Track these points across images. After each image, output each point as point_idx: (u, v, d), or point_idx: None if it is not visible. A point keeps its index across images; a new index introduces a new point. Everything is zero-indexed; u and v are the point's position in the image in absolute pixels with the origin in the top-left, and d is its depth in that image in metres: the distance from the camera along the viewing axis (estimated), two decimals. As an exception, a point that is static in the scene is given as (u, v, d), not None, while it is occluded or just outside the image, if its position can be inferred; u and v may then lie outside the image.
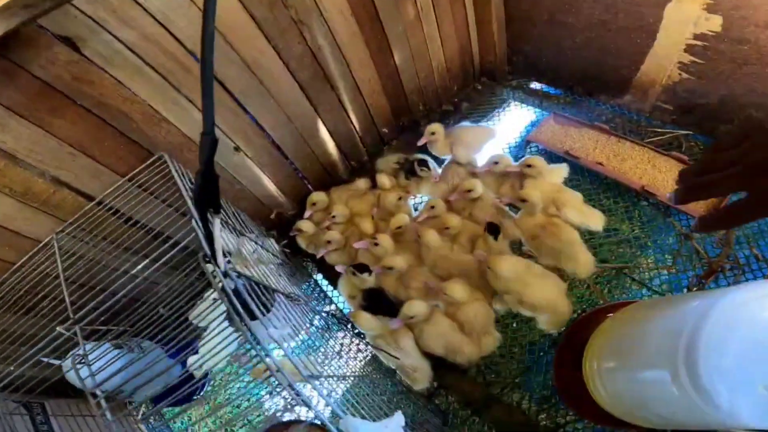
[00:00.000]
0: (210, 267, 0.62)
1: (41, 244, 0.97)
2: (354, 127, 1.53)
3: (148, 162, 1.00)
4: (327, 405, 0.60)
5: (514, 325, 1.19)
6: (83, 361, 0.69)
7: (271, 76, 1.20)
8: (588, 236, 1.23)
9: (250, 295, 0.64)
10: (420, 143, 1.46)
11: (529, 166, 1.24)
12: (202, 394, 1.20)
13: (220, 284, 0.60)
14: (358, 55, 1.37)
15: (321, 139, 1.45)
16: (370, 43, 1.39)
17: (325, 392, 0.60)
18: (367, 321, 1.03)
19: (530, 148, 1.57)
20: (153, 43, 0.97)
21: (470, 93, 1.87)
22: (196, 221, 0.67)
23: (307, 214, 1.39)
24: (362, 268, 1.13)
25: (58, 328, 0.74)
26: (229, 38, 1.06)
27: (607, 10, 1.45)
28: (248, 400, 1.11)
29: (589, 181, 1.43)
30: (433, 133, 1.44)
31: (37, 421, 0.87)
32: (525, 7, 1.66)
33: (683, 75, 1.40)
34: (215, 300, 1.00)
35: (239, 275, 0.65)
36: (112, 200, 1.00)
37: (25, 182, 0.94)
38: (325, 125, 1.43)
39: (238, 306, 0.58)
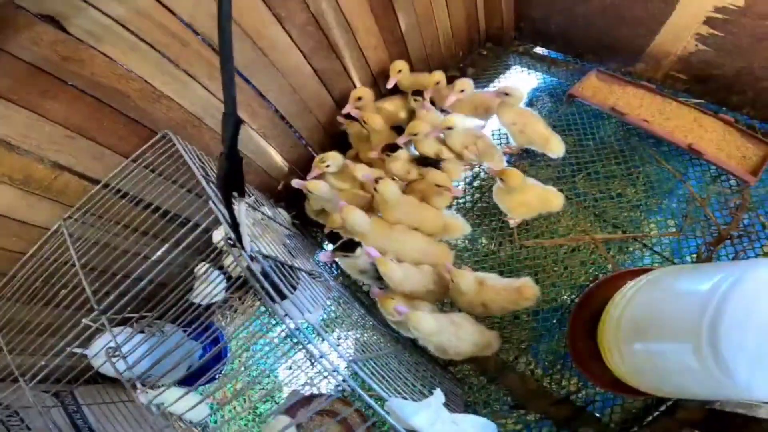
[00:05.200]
0: (235, 251, 0.60)
1: (50, 232, 0.94)
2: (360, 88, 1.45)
3: (152, 141, 0.96)
4: (365, 384, 0.59)
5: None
6: (117, 353, 0.69)
7: (275, 47, 1.14)
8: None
9: (277, 275, 0.63)
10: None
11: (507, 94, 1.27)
12: (222, 372, 1.22)
13: (248, 268, 0.58)
14: (363, 21, 1.30)
15: (327, 108, 1.40)
16: (375, 9, 1.31)
17: (368, 372, 0.60)
18: (427, 322, 0.90)
19: (574, 102, 1.51)
20: (145, 17, 0.91)
21: (475, 58, 1.81)
22: (216, 205, 0.65)
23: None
24: (348, 246, 0.99)
25: (84, 321, 0.73)
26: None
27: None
28: (268, 376, 1.13)
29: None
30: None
31: (69, 410, 0.87)
32: (535, -29, 1.57)
33: (700, 46, 1.35)
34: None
35: (265, 257, 0.63)
36: (119, 182, 0.97)
37: (24, 169, 0.91)
38: (330, 94, 1.38)
39: (269, 288, 0.57)
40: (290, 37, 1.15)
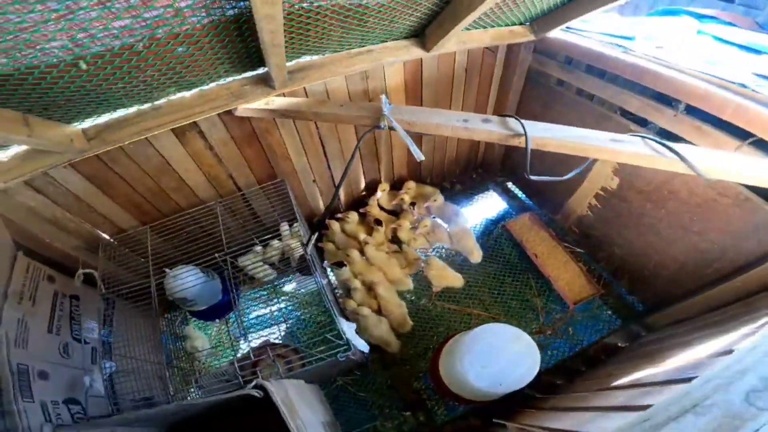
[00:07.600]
0: (304, 248, 1.53)
1: (205, 204, 1.88)
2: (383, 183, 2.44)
3: (275, 181, 1.93)
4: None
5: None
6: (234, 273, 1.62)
7: (349, 150, 2.09)
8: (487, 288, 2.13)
9: (314, 261, 1.55)
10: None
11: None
12: (228, 316, 2.06)
13: (309, 255, 1.51)
14: (399, 142, 2.27)
15: (359, 186, 2.40)
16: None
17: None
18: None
19: (504, 234, 2.39)
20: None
21: (465, 179, 2.73)
22: (303, 227, 1.59)
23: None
24: (339, 264, 1.99)
25: (216, 255, 1.66)
26: (339, 132, 1.98)
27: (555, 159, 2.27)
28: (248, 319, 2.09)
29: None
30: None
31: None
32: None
33: (588, 212, 2.20)
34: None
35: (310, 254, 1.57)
36: (249, 194, 1.95)
37: (217, 172, 1.85)
38: (364, 180, 2.38)
39: (315, 264, 1.50)
40: (358, 147, 2.12)
